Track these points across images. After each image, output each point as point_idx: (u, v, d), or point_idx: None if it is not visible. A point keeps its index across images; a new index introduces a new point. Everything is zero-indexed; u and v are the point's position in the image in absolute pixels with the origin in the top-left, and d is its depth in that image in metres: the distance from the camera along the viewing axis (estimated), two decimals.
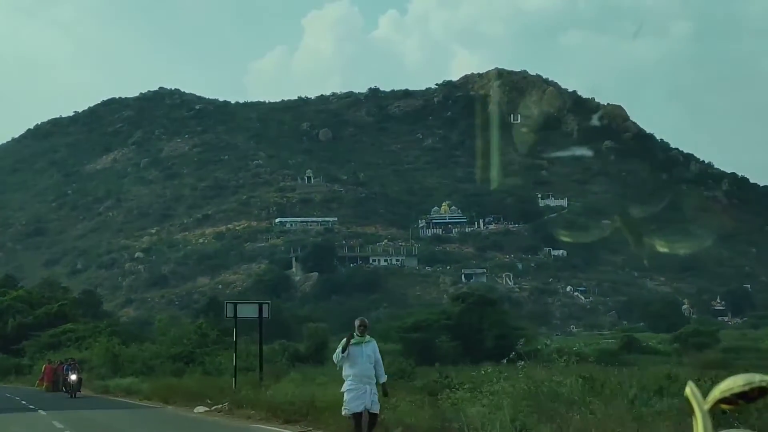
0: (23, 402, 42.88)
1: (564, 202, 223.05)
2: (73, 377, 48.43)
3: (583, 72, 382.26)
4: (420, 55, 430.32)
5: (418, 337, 64.98)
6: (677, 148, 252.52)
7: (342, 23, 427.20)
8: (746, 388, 2.83)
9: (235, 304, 34.64)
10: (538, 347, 72.90)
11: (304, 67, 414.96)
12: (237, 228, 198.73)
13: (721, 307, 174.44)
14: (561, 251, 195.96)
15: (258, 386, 31.19)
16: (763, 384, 2.82)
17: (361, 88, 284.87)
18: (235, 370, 33.93)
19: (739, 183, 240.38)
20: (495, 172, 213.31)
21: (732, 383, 2.85)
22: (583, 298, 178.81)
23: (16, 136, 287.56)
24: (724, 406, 2.85)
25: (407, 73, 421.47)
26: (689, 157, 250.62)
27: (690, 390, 2.89)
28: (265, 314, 34.46)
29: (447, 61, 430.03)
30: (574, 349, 67.93)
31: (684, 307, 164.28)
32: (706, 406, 2.82)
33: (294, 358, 55.22)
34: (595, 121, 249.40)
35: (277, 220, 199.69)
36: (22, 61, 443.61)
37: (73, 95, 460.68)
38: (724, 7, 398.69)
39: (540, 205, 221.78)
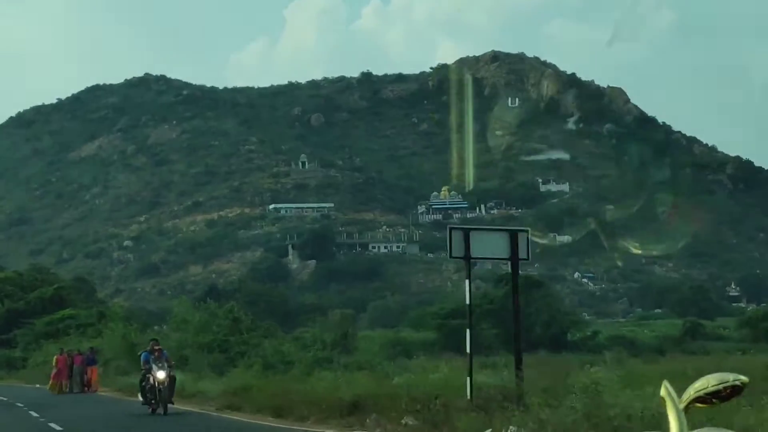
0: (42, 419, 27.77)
1: (566, 187, 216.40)
2: (161, 375, 28.49)
3: (582, 54, 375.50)
4: (407, 43, 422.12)
5: (457, 324, 57.88)
6: (680, 131, 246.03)
7: (326, 13, 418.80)
8: (720, 387, 2.98)
9: (467, 232, 20.48)
10: (588, 334, 66.11)
11: (289, 56, 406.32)
12: (229, 215, 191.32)
13: (736, 293, 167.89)
14: (566, 237, 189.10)
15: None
16: (737, 383, 2.98)
17: (352, 73, 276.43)
18: (470, 362, 19.69)
19: (744, 166, 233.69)
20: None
21: (706, 382, 2.97)
22: (592, 284, 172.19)
23: None
24: (698, 405, 3.00)
25: (396, 62, 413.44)
26: (692, 140, 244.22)
27: (665, 389, 3.04)
28: (523, 253, 20.64)
29: (435, 48, 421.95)
30: (631, 337, 61.03)
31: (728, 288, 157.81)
32: (681, 405, 2.98)
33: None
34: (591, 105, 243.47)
35: (271, 206, 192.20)
36: (3, 48, 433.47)
37: (56, 83, 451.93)
38: None
39: (541, 190, 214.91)
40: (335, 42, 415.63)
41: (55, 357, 45.90)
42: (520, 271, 21.39)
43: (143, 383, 29.45)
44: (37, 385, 50.86)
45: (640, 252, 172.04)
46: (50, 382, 44.94)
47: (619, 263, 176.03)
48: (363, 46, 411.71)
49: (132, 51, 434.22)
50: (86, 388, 44.64)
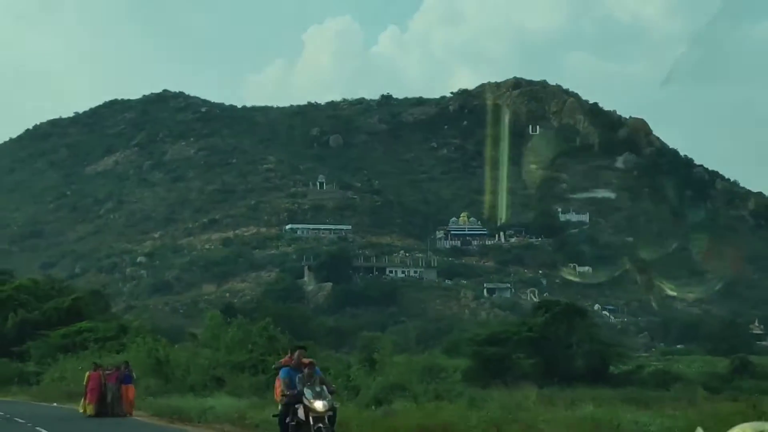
0: None
1: (585, 218, 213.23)
2: (320, 406, 19.94)
3: (604, 85, 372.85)
4: (424, 69, 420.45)
5: (494, 352, 54.88)
6: (702, 165, 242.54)
7: (342, 37, 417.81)
8: None
9: None
10: (633, 368, 62.90)
11: (307, 79, 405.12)
12: (245, 234, 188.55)
13: (760, 331, 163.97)
14: (586, 267, 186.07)
15: None
16: None
17: (371, 96, 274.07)
18: None
19: (766, 202, 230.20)
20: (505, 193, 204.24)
21: (740, 430, 2.94)
22: (612, 318, 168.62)
23: (14, 136, 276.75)
24: None
25: (413, 87, 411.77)
26: (714, 175, 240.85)
27: None
28: None
29: (452, 75, 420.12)
30: (676, 372, 57.94)
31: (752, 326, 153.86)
32: None
33: None
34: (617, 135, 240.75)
35: (288, 226, 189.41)
36: (22, 62, 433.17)
37: (73, 97, 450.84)
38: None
39: (561, 219, 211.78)
40: (352, 66, 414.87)
41: (87, 373, 39.15)
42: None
43: (288, 419, 20.11)
44: (54, 404, 46.45)
45: (675, 294, 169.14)
46: (83, 402, 38.74)
47: (655, 305, 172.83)
48: (381, 70, 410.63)
49: (151, 67, 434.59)
50: (123, 410, 38.43)
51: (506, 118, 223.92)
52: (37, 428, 29.88)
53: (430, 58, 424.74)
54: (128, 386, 38.19)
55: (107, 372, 38.81)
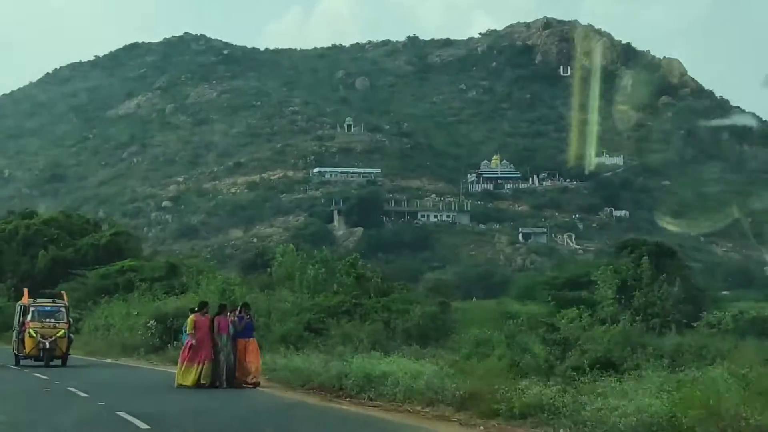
0: None
1: (620, 160, 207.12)
2: None
3: (636, 23, 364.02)
4: (448, 12, 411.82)
5: (576, 297, 49.77)
6: (738, 106, 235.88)
7: None
8: None
9: None
10: (721, 313, 57.53)
11: (327, 22, 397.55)
12: (272, 178, 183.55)
13: None
14: (623, 211, 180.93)
15: None
16: None
17: (397, 37, 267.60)
18: None
19: None
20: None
21: None
22: None
23: (34, 80, 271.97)
24: None
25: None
26: (751, 116, 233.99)
27: None
28: None
29: (474, 19, 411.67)
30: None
31: None
32: None
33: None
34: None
35: (315, 170, 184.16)
36: (40, 4, 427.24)
37: (93, 40, 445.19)
38: None
39: (595, 162, 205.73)
40: (372, 11, 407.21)
41: (190, 318, 27.02)
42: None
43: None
44: (109, 360, 38.54)
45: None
46: (181, 365, 26.84)
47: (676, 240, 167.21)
48: (404, 13, 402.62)
49: (170, 11, 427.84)
50: (244, 378, 26.65)
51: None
52: (119, 413, 19.11)
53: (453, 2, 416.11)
54: (250, 340, 26.71)
55: (231, 311, 27.10)
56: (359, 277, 36.31)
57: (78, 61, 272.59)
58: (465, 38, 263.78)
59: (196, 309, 27.37)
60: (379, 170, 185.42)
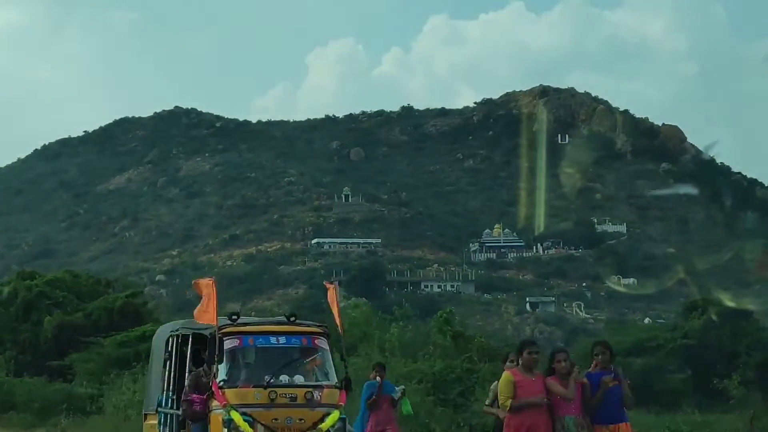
0: None
1: (623, 228, 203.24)
2: None
3: (633, 92, 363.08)
4: (432, 86, 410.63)
5: (640, 364, 44.64)
6: (740, 173, 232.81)
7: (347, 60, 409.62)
8: None
9: None
10: None
11: (319, 94, 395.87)
12: (269, 249, 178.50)
13: None
14: (631, 279, 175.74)
15: None
16: None
17: (392, 107, 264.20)
18: None
19: None
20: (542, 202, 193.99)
21: None
22: None
23: (22, 156, 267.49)
24: None
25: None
26: (753, 182, 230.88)
27: None
28: None
29: (461, 93, 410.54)
30: None
31: None
32: None
33: None
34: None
35: (314, 240, 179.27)
36: (29, 80, 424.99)
37: (82, 116, 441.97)
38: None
39: (597, 230, 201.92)
40: (360, 84, 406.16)
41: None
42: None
43: None
44: None
45: (733, 305, 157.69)
46: None
47: (714, 316, 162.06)
48: (394, 84, 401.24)
49: (159, 87, 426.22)
50: None
51: (543, 121, 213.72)
52: None
53: (437, 77, 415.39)
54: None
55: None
56: (456, 336, 30.51)
57: (68, 136, 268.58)
58: (460, 107, 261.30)
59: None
60: (379, 240, 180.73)
